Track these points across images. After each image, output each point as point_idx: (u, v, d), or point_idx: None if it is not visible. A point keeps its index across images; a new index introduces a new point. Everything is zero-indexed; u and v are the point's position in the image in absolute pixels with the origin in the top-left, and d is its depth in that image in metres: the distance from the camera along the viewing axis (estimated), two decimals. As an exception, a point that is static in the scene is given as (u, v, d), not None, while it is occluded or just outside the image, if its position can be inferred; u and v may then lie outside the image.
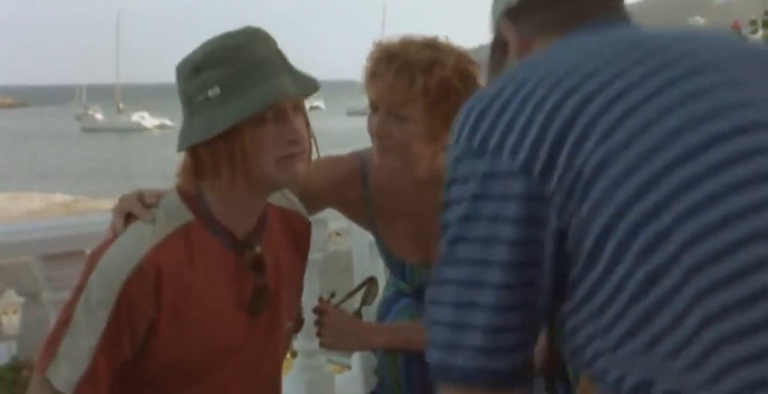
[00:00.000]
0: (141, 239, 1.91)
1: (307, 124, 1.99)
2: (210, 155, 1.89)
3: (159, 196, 2.01)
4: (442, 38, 2.29)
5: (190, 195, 1.98)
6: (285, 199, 2.20)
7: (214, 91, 1.87)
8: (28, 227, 2.92)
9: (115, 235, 1.95)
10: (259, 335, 2.08)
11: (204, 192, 1.96)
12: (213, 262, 1.99)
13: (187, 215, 1.97)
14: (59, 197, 32.84)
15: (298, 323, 2.31)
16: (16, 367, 9.59)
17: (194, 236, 1.96)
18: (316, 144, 2.03)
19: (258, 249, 2.03)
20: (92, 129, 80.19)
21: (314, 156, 2.04)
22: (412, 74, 2.19)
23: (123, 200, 2.00)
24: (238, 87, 1.87)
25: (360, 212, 2.48)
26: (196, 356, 1.99)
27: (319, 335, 2.43)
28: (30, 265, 2.79)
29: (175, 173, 2.00)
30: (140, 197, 1.99)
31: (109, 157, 55.41)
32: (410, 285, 2.51)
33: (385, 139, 2.26)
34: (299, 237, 2.23)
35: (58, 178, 44.02)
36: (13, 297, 18.60)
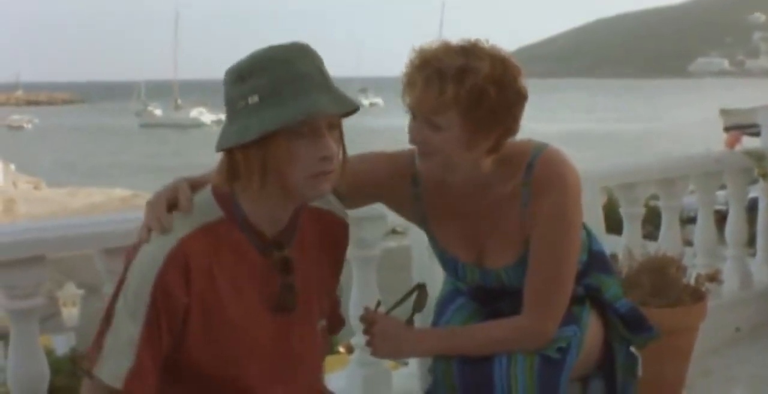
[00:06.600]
0: (171, 232, 1.97)
1: (342, 142, 2.04)
2: (244, 160, 1.94)
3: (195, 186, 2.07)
4: (482, 42, 2.24)
5: (223, 194, 2.03)
6: (321, 199, 2.20)
7: (253, 99, 1.93)
8: (90, 220, 2.94)
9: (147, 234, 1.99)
10: (291, 334, 2.12)
11: (236, 192, 2.01)
12: (240, 260, 2.03)
13: (217, 212, 2.02)
14: (118, 192, 33.29)
15: (339, 322, 2.36)
16: (74, 358, 9.72)
17: (223, 233, 2.01)
18: (346, 159, 2.06)
19: (286, 251, 2.07)
20: (151, 125, 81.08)
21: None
22: (443, 83, 2.16)
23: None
24: (277, 98, 1.92)
25: (409, 208, 2.47)
26: (228, 351, 2.03)
27: (368, 344, 2.42)
28: (90, 258, 2.83)
29: (213, 171, 2.05)
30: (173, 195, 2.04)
31: (168, 152, 55.89)
32: (464, 284, 2.51)
33: (423, 146, 2.26)
34: (333, 236, 2.25)
35: (118, 173, 44.52)
36: (73, 290, 18.86)
